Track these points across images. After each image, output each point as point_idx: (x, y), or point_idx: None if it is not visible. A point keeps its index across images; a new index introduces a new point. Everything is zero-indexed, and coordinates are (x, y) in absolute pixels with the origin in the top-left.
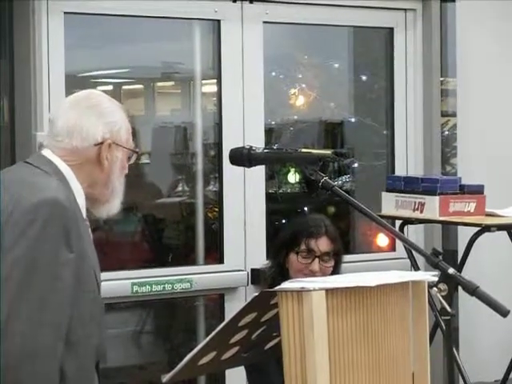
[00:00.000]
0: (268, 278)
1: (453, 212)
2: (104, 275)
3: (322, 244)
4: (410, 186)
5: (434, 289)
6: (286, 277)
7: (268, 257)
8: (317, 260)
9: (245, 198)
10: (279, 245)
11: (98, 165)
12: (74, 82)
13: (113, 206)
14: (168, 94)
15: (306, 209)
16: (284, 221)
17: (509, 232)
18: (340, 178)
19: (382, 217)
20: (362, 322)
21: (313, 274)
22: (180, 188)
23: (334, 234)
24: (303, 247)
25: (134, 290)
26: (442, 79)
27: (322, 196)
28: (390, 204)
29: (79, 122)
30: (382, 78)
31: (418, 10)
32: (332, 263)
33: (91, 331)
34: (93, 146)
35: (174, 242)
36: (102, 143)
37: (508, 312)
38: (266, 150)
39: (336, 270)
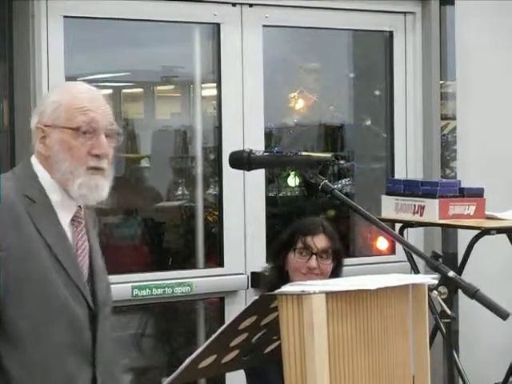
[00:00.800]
0: (268, 281)
1: (452, 215)
2: None
3: (319, 241)
4: (409, 189)
5: (434, 292)
6: (285, 279)
7: (267, 260)
8: (314, 257)
9: (245, 202)
10: (278, 247)
11: (39, 152)
12: None
13: (73, 191)
14: (168, 98)
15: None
16: (284, 224)
17: (508, 235)
18: (340, 182)
19: (382, 220)
20: (362, 326)
21: (311, 271)
22: (180, 191)
23: (332, 233)
24: (300, 245)
25: (135, 293)
26: (441, 82)
27: (322, 199)
28: (390, 207)
29: None
30: (382, 81)
31: (418, 14)
32: (330, 261)
33: (47, 331)
34: (34, 136)
35: (173, 246)
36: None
37: (508, 315)
38: (265, 154)
39: (337, 272)
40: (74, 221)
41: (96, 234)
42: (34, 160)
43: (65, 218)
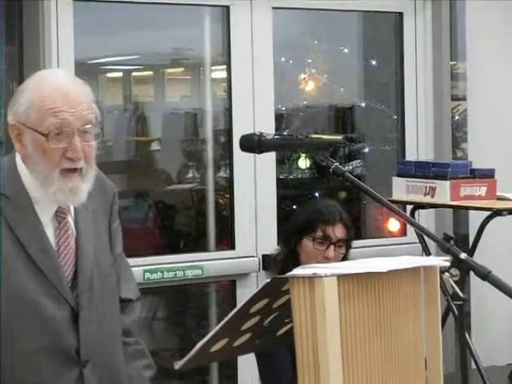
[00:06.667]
0: (278, 263)
1: (464, 196)
2: None
3: (338, 231)
4: (420, 170)
5: (446, 274)
6: (296, 262)
7: (279, 241)
8: (332, 247)
9: (255, 184)
10: (292, 230)
11: (18, 150)
12: (84, 70)
13: (48, 196)
14: (178, 81)
15: (317, 194)
16: (295, 206)
17: None
18: (350, 163)
19: (393, 202)
20: (374, 308)
21: (327, 260)
22: (190, 174)
23: (348, 221)
24: (320, 233)
25: (146, 277)
26: (452, 63)
27: (333, 181)
28: (401, 189)
29: None
30: (392, 62)
31: None
32: (344, 249)
33: (16, 336)
34: (10, 133)
35: (185, 229)
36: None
37: None
38: (276, 136)
39: (346, 257)
40: (57, 216)
41: (106, 214)
42: (18, 156)
43: (46, 214)
